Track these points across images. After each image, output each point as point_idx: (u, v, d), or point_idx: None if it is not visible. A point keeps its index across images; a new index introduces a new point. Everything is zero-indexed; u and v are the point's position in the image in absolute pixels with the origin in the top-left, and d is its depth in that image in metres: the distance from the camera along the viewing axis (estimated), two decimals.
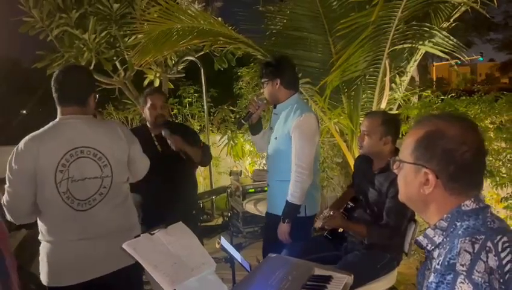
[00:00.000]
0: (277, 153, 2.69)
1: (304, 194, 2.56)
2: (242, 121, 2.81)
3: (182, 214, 2.85)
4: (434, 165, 1.08)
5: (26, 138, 1.99)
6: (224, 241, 2.51)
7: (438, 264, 1.03)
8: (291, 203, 2.55)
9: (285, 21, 4.06)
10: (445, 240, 1.08)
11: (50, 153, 1.95)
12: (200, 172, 6.33)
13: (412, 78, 8.93)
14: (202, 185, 6.30)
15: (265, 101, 2.77)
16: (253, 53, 3.78)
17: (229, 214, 3.28)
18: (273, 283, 1.76)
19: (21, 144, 1.97)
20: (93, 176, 2.02)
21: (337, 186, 4.93)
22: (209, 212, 5.52)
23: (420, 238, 1.14)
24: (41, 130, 2.01)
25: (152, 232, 1.58)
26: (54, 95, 2.05)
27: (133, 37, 4.43)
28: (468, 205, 1.08)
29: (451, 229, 1.07)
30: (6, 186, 1.96)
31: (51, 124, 2.04)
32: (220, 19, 4.57)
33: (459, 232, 1.04)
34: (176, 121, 6.37)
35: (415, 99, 4.49)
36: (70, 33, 5.19)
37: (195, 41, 3.83)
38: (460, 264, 0.97)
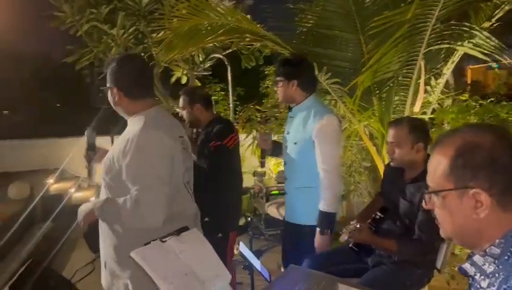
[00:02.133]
0: (297, 158, 2.53)
1: (336, 200, 2.41)
2: (262, 160, 2.86)
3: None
4: (482, 182, 0.92)
5: (147, 128, 1.79)
6: (243, 247, 2.40)
7: None
8: (324, 212, 2.37)
9: (315, 19, 3.93)
10: (497, 268, 0.92)
11: (173, 141, 1.86)
12: None
13: (446, 81, 8.61)
14: None
15: (271, 134, 2.83)
16: (281, 51, 3.66)
17: (250, 218, 3.18)
18: None
19: (146, 134, 1.77)
20: (190, 166, 2.05)
21: (365, 191, 4.75)
22: None
23: (466, 266, 0.97)
24: (148, 119, 1.83)
25: (163, 239, 1.48)
26: (133, 85, 1.86)
27: (161, 33, 4.38)
28: None
29: (506, 257, 0.91)
30: (143, 185, 1.71)
31: (148, 114, 1.86)
32: (248, 16, 4.47)
33: None
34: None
35: (449, 103, 4.28)
36: (99, 28, 5.21)
37: (221, 38, 3.73)
38: None
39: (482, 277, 0.95)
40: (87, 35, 5.26)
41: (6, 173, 6.37)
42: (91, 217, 1.86)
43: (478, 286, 0.95)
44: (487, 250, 0.94)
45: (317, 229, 2.41)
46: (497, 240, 0.93)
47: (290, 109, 2.64)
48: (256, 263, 2.35)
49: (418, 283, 2.19)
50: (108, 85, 1.90)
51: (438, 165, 0.98)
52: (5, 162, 6.61)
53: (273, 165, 5.74)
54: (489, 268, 0.93)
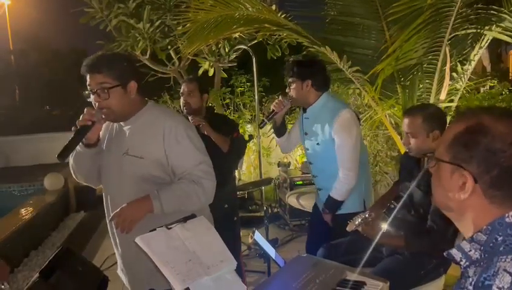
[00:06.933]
0: (324, 158, 2.61)
1: (348, 193, 2.55)
2: (265, 120, 2.69)
3: (216, 205, 2.81)
4: (473, 168, 0.91)
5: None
6: (258, 236, 2.43)
7: (470, 284, 0.87)
8: (334, 199, 2.58)
9: (337, 7, 3.87)
10: (483, 256, 0.90)
11: None
12: (251, 162, 6.28)
13: (484, 67, 8.23)
14: (253, 175, 6.25)
15: (290, 101, 2.63)
16: (299, 40, 3.63)
17: (265, 208, 3.24)
18: (298, 285, 1.65)
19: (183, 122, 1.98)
20: None
21: (391, 181, 4.67)
22: (258, 203, 5.46)
23: (453, 251, 0.95)
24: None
25: (169, 226, 1.52)
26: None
27: (186, 25, 4.42)
28: None
29: (491, 244, 0.89)
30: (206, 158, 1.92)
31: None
32: (273, 6, 4.43)
33: (501, 248, 0.87)
34: (227, 110, 6.37)
35: (485, 89, 4.12)
36: (127, 23, 5.31)
37: (241, 29, 3.73)
38: (497, 287, 0.80)
39: (467, 263, 0.93)
40: (116, 30, 5.38)
41: (43, 165, 6.66)
42: (144, 211, 1.76)
43: (467, 275, 0.93)
44: (474, 236, 0.92)
45: (324, 209, 2.64)
46: (484, 227, 0.91)
47: (304, 110, 2.66)
48: (271, 251, 2.38)
49: (434, 273, 2.14)
50: None
51: (448, 135, 0.99)
52: (42, 155, 6.91)
53: (299, 156, 5.72)
54: (475, 255, 0.92)
